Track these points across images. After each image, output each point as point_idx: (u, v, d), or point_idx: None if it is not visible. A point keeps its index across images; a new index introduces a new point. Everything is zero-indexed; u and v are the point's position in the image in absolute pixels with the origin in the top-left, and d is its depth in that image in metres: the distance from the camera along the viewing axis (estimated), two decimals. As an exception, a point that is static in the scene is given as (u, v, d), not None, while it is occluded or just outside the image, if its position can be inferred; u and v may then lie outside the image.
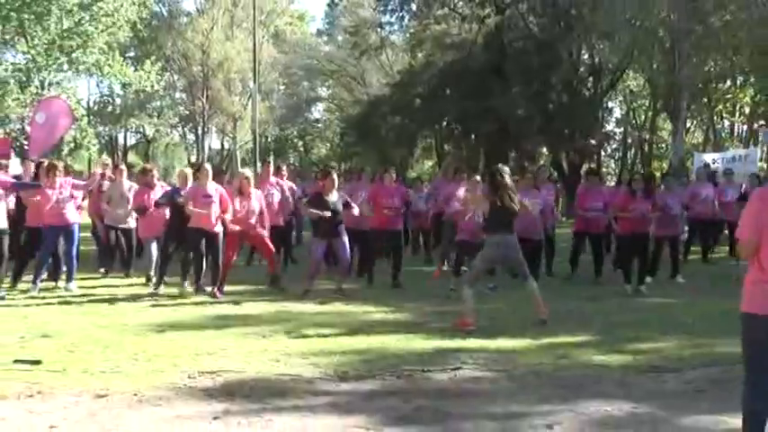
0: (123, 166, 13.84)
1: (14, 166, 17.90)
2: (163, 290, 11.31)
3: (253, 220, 11.60)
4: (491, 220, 9.29)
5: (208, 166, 11.86)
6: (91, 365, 6.88)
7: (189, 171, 12.11)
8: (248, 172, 12.35)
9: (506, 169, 9.56)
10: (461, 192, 12.20)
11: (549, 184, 14.73)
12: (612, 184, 24.21)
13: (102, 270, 13.35)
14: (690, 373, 6.78)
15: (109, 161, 16.29)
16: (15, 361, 6.97)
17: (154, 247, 12.34)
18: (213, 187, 11.34)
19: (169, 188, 12.76)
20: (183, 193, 11.58)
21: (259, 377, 6.54)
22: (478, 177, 12.47)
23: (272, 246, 11.92)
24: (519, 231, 9.57)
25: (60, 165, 12.30)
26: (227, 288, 11.29)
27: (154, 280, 11.83)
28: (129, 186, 13.05)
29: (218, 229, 11.26)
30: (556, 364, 7.07)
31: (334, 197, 11.37)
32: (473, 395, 6.07)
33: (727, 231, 15.70)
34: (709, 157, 22.31)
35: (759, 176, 16.79)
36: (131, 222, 12.97)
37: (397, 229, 12.69)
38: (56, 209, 11.49)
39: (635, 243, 12.10)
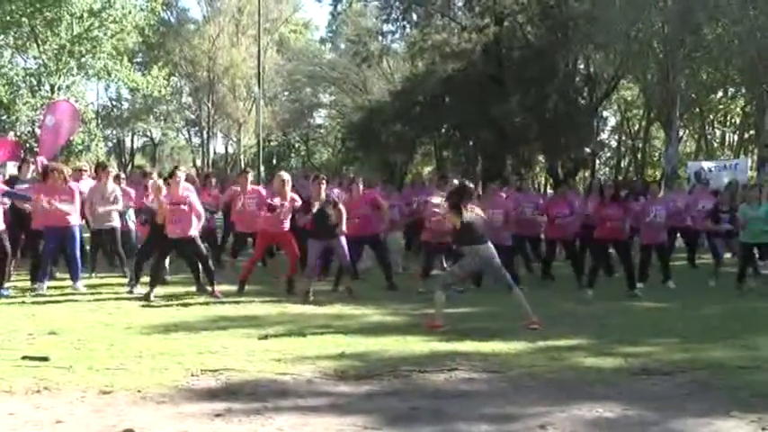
0: (111, 169, 13.70)
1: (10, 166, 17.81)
2: (139, 290, 11.20)
3: (285, 224, 11.74)
4: (462, 234, 9.20)
5: (180, 173, 11.62)
6: (96, 363, 6.88)
7: (161, 182, 11.89)
8: (286, 175, 12.35)
9: (470, 185, 9.65)
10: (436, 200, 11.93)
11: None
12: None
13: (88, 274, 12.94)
14: (680, 376, 6.78)
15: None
16: (23, 357, 6.99)
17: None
18: (185, 194, 11.28)
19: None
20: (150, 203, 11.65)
21: (260, 376, 6.54)
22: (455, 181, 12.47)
23: (297, 250, 11.96)
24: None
25: (67, 169, 12.35)
26: (226, 288, 11.30)
27: (132, 281, 11.79)
28: (113, 189, 12.82)
29: (193, 233, 11.18)
30: (549, 367, 7.07)
31: (320, 202, 11.38)
32: (468, 396, 6.07)
33: (705, 240, 15.62)
34: (705, 165, 22.34)
35: (738, 184, 16.69)
36: (115, 222, 12.75)
37: (369, 236, 12.61)
38: (56, 211, 11.49)
39: (615, 249, 12.18)
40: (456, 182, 13.00)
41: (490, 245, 9.22)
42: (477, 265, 9.37)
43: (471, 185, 9.67)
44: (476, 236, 9.13)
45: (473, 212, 9.20)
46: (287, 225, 11.89)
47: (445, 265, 13.09)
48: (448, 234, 11.01)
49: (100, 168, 13.36)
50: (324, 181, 11.82)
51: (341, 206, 11.51)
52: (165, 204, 10.96)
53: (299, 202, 11.87)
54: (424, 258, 12.54)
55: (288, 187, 11.94)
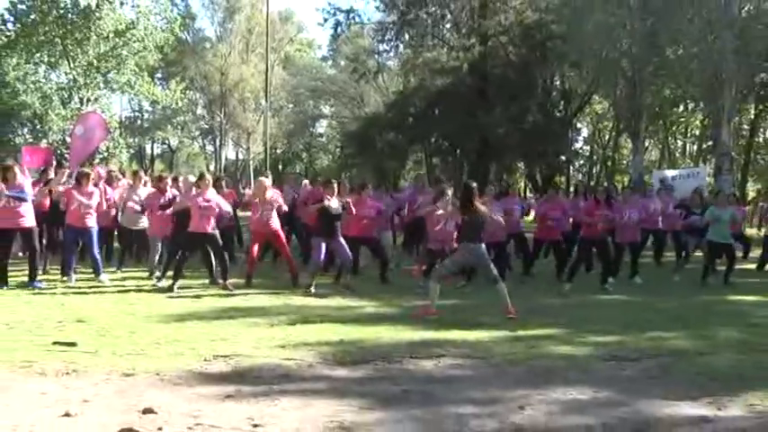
0: (142, 174, 13.68)
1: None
2: (163, 283, 11.20)
3: (274, 223, 11.67)
4: (463, 230, 9.48)
5: (208, 176, 11.76)
6: (119, 348, 6.87)
7: (192, 179, 12.00)
8: (268, 181, 12.31)
9: (475, 185, 9.70)
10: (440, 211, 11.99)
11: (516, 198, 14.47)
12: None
13: (115, 269, 12.90)
14: (645, 362, 6.79)
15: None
16: (54, 343, 6.97)
17: (159, 246, 12.26)
18: (212, 194, 11.29)
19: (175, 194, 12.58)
20: (179, 199, 11.69)
21: (267, 361, 6.52)
22: (449, 191, 12.45)
23: (287, 248, 11.91)
24: (486, 235, 9.67)
25: (93, 172, 12.38)
26: (235, 280, 11.28)
27: (156, 273, 11.76)
28: (146, 192, 12.85)
29: (215, 230, 11.20)
30: (528, 354, 7.07)
31: (334, 203, 11.38)
32: (455, 380, 6.07)
33: (673, 239, 15.59)
34: (669, 173, 22.37)
35: (701, 194, 16.64)
36: (144, 223, 12.72)
37: (368, 238, 12.57)
38: (78, 213, 11.49)
39: (596, 247, 12.16)
40: (447, 186, 13.10)
41: (483, 245, 9.36)
42: (468, 261, 9.56)
43: (475, 185, 9.70)
44: (473, 235, 9.29)
45: (477, 212, 9.31)
46: (275, 224, 11.77)
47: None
48: (450, 242, 11.08)
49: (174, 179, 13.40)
50: (337, 184, 11.84)
51: (352, 209, 11.59)
52: (196, 203, 11.04)
53: (280, 203, 11.90)
54: (428, 261, 12.50)
55: (268, 191, 11.84)
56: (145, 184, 13.36)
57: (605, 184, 35.53)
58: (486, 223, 9.50)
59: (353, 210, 11.62)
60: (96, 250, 11.75)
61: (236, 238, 15.31)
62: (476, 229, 9.31)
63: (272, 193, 12.02)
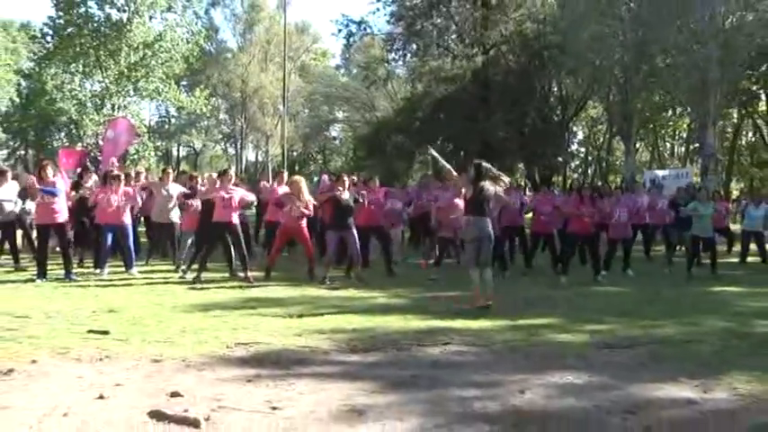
0: (170, 170, 13.71)
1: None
2: (189, 276, 11.24)
3: (304, 222, 11.68)
4: (471, 203, 9.15)
5: (231, 172, 11.82)
6: (148, 336, 6.89)
7: (215, 176, 12.06)
8: (300, 178, 12.31)
9: (487, 165, 9.40)
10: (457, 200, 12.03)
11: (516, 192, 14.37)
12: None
13: (145, 261, 12.88)
14: (637, 349, 6.75)
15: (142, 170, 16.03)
16: (88, 331, 6.99)
17: (190, 241, 12.29)
18: (234, 189, 11.31)
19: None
20: (204, 190, 11.83)
21: (284, 348, 6.53)
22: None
23: (310, 242, 11.90)
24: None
25: (125, 172, 12.47)
26: (256, 274, 11.28)
27: (183, 266, 11.79)
28: (175, 188, 12.79)
29: (236, 221, 11.21)
30: (528, 341, 7.05)
31: (345, 195, 11.38)
32: (459, 365, 6.06)
33: (662, 234, 15.52)
34: (659, 173, 22.34)
35: (688, 190, 16.58)
36: (174, 218, 12.63)
37: (376, 227, 12.49)
38: (114, 211, 11.54)
39: (582, 242, 12.12)
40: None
41: (488, 219, 9.12)
42: (473, 233, 9.11)
43: (487, 165, 9.38)
44: (477, 209, 9.06)
45: (486, 190, 9.07)
46: (304, 222, 11.75)
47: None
48: (458, 230, 11.05)
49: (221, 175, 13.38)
50: (346, 177, 11.89)
51: (363, 201, 11.65)
52: (219, 194, 11.06)
53: (313, 203, 11.90)
54: (439, 251, 12.54)
55: (305, 190, 11.78)
56: (175, 180, 13.31)
57: (599, 183, 35.47)
58: (491, 201, 9.23)
59: (366, 202, 11.66)
60: (131, 244, 11.81)
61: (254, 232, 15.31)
62: (480, 203, 9.04)
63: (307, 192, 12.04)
